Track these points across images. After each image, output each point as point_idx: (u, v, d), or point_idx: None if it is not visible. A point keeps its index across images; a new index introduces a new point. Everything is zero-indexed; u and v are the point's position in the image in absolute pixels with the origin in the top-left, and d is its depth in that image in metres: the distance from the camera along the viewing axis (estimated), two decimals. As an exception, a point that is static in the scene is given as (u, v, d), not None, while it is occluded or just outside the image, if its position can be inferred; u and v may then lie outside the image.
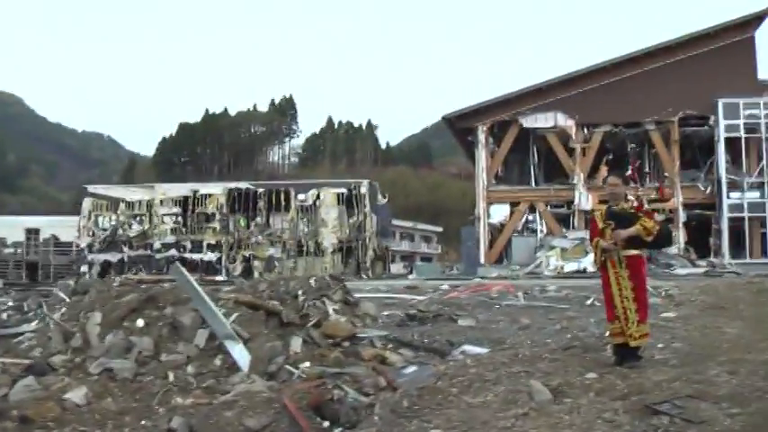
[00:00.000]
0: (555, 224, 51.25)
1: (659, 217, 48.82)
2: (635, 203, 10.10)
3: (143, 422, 8.69)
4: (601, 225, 9.95)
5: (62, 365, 10.51)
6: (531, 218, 53.82)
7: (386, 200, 75.51)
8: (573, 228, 50.30)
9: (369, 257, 67.03)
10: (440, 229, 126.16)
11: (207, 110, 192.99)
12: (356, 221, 67.44)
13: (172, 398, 9.30)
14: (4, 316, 19.08)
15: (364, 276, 59.09)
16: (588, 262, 42.72)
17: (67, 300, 16.54)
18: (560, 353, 10.88)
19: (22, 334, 15.46)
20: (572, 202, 51.46)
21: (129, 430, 8.44)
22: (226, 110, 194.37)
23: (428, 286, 27.58)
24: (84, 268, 68.81)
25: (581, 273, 40.19)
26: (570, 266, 42.13)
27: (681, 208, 51.44)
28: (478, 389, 8.89)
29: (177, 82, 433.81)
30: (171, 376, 9.86)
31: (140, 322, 11.10)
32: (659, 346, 11.39)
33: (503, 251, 53.39)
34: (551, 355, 10.72)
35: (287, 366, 10.16)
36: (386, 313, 17.58)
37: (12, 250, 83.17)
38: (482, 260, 51.60)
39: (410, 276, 51.19)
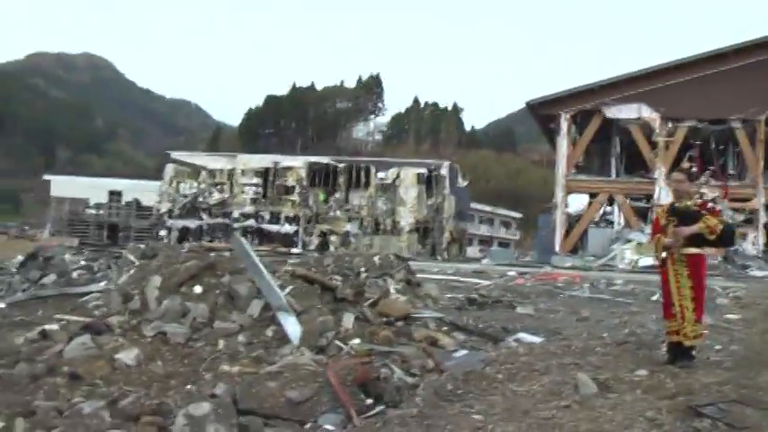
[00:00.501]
0: (633, 217, 50.44)
1: (738, 217, 48.07)
2: (699, 201, 9.88)
3: (188, 387, 8.80)
4: (663, 222, 9.79)
5: (119, 326, 10.70)
6: (609, 209, 53.03)
7: (466, 183, 75.41)
8: (651, 222, 49.59)
9: (445, 239, 67.06)
10: (519, 216, 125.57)
11: (294, 83, 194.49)
12: (434, 203, 67.45)
13: (219, 365, 9.41)
14: (75, 275, 19.48)
15: (439, 258, 59.14)
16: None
17: (136, 262, 16.81)
18: (614, 347, 10.74)
19: (89, 293, 15.82)
20: (652, 196, 50.58)
21: (174, 393, 8.54)
22: (313, 84, 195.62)
23: (495, 271, 27.49)
24: (162, 233, 69.88)
25: (655, 268, 39.59)
26: (645, 261, 41.41)
27: (762, 208, 50.31)
28: (525, 377, 8.84)
29: (266, 55, 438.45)
30: (221, 344, 9.98)
31: (198, 289, 11.24)
32: (716, 347, 11.16)
33: (578, 241, 52.75)
34: (604, 348, 10.59)
35: (337, 342, 10.21)
36: (448, 296, 17.58)
37: (94, 211, 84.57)
38: (557, 249, 51.15)
39: (484, 261, 51.08)
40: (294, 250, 52.99)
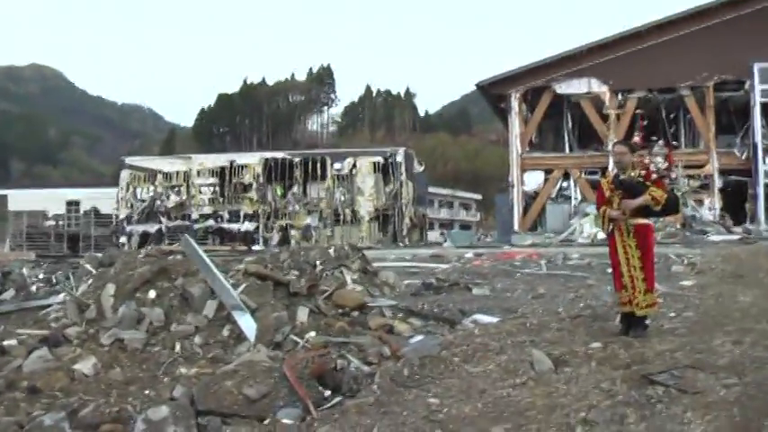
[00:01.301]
0: (589, 191, 50.68)
1: (694, 183, 48.54)
2: (643, 171, 9.98)
3: (147, 392, 8.85)
4: (607, 193, 9.91)
5: (76, 336, 10.70)
6: (565, 185, 53.42)
7: (422, 168, 75.40)
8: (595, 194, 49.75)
9: (405, 225, 67.05)
10: (479, 197, 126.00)
11: (245, 80, 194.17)
12: (392, 190, 67.44)
13: (177, 368, 9.47)
14: (34, 288, 19.39)
15: (401, 244, 59.19)
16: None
17: (94, 272, 16.77)
18: (568, 322, 10.85)
19: (49, 306, 15.78)
20: (606, 168, 50.81)
21: (133, 399, 8.58)
22: (264, 80, 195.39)
23: (453, 255, 27.58)
24: (122, 239, 69.48)
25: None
26: (603, 234, 41.85)
27: (716, 174, 50.78)
28: (481, 358, 8.93)
29: (215, 53, 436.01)
30: (178, 346, 10.03)
31: (152, 293, 11.27)
32: (671, 314, 11.31)
33: (537, 218, 53.12)
34: (559, 324, 10.70)
35: (292, 336, 10.29)
36: (406, 282, 17.64)
37: (53, 222, 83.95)
38: (516, 227, 51.47)
39: (444, 244, 51.24)
40: (255, 247, 52.96)
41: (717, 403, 6.49)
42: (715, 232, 41.12)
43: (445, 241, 56.06)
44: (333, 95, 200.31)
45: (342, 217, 67.72)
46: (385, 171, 67.67)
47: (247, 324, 10.33)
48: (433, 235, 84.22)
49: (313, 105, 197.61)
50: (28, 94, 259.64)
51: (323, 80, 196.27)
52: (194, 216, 70.41)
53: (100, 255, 20.47)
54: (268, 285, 11.61)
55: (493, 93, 56.77)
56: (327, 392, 8.51)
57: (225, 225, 69.59)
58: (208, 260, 11.54)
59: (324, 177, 68.81)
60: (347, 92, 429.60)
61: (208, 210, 70.78)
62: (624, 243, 9.65)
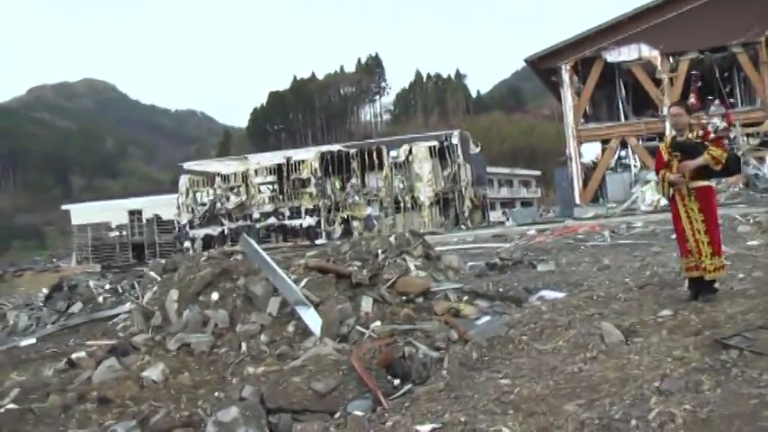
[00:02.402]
0: (648, 158, 49.92)
1: (753, 141, 47.60)
2: (701, 132, 9.73)
3: (216, 394, 8.84)
4: (666, 157, 9.69)
5: (144, 344, 10.74)
6: (623, 154, 52.79)
7: (479, 148, 75.13)
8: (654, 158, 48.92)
9: (466, 207, 66.87)
10: (538, 173, 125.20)
11: (295, 76, 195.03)
12: (450, 173, 67.29)
13: (245, 368, 9.45)
14: (101, 299, 19.56)
15: (463, 227, 58.96)
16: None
17: (158, 279, 16.88)
18: (636, 292, 10.64)
19: (116, 316, 15.91)
20: (663, 133, 49.97)
21: (203, 403, 8.59)
22: (313, 74, 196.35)
23: (515, 233, 27.35)
24: (186, 244, 70.15)
25: (677, 205, 39.28)
26: (666, 200, 41.21)
27: (777, 130, 49.76)
28: (550, 335, 8.78)
29: (264, 52, 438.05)
30: (244, 346, 10.01)
31: (215, 295, 11.28)
32: (739, 276, 11.04)
33: (598, 190, 52.55)
34: (627, 294, 10.49)
35: (358, 327, 10.21)
36: (470, 264, 17.46)
37: (117, 233, 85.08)
38: (577, 200, 51.00)
39: (507, 223, 51.00)
40: (318, 242, 53.10)
41: (793, 363, 6.28)
42: (780, 190, 40.31)
43: (507, 220, 55.77)
44: (383, 84, 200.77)
45: (402, 204, 67.75)
46: (441, 155, 67.54)
47: (312, 319, 10.27)
48: (495, 215, 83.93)
49: (364, 96, 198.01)
50: (82, 108, 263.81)
51: (372, 70, 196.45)
52: (255, 215, 70.96)
53: (163, 261, 20.64)
54: (330, 278, 11.54)
55: (542, 67, 56.22)
56: (396, 381, 8.44)
57: (286, 222, 70.06)
58: (268, 258, 11.50)
59: (381, 166, 68.89)
60: (397, 79, 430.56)
61: (268, 208, 71.27)
62: (686, 207, 9.42)
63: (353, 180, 70.17)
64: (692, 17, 49.74)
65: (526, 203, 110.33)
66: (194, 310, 10.94)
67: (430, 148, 68.01)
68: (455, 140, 67.70)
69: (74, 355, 11.41)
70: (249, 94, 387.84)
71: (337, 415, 7.73)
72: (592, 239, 21.10)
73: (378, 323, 10.39)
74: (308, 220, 69.74)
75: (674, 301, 9.45)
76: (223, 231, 70.37)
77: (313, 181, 70.40)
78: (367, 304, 10.86)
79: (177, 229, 74.99)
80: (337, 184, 70.47)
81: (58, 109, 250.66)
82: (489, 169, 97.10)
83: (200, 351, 10.10)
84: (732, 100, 52.29)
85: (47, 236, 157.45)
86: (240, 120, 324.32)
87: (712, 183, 9.74)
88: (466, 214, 66.22)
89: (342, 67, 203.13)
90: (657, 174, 9.97)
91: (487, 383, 7.40)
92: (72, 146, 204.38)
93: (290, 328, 10.47)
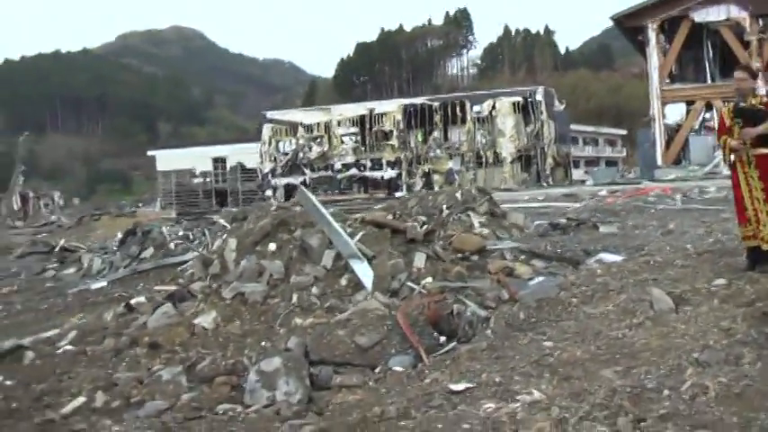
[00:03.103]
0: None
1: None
2: (765, 98, 9.44)
3: (263, 343, 8.95)
4: (728, 123, 9.45)
5: (200, 291, 10.86)
6: (708, 116, 51.60)
7: (563, 106, 74.39)
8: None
9: (548, 165, 66.46)
10: (624, 132, 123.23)
11: (382, 28, 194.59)
12: (533, 129, 66.83)
13: (293, 319, 9.52)
14: (172, 246, 19.87)
15: (544, 184, 58.62)
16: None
17: (228, 227, 17.08)
18: (695, 258, 10.42)
19: (185, 262, 16.16)
20: (747, 97, 48.82)
21: (249, 351, 8.69)
22: (401, 26, 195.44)
23: (587, 193, 27.05)
24: (268, 192, 70.79)
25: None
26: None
27: None
28: (600, 299, 8.66)
29: (351, 2, 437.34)
30: (295, 298, 10.06)
31: (272, 246, 11.32)
32: (808, 247, 10.79)
33: (680, 152, 51.56)
34: (684, 260, 10.26)
35: (409, 283, 10.19)
36: (536, 223, 17.29)
37: (200, 180, 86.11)
38: (659, 162, 50.16)
39: (587, 182, 50.54)
40: (398, 194, 53.14)
41: (841, 339, 6.13)
42: None
43: (588, 179, 55.23)
44: (471, 38, 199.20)
45: (484, 159, 67.53)
46: (525, 111, 67.13)
47: (364, 272, 10.27)
48: (579, 173, 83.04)
49: (451, 49, 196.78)
50: (170, 56, 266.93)
51: (460, 23, 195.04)
52: (337, 166, 71.34)
53: (235, 210, 20.86)
54: (386, 233, 11.48)
55: (629, 25, 55.10)
56: (443, 338, 8.43)
57: (368, 173, 70.32)
58: (324, 211, 11.52)
59: (464, 121, 68.75)
60: (485, 34, 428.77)
61: (350, 159, 71.58)
62: (746, 175, 9.15)
63: (436, 133, 70.09)
64: (785, -23, 48.30)
65: (611, 163, 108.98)
66: (251, 260, 11.02)
67: (513, 103, 67.59)
68: (539, 97, 67.18)
69: (133, 300, 11.63)
70: (337, 44, 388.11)
71: (378, 369, 7.78)
72: (662, 203, 20.79)
73: (429, 279, 10.36)
74: (389, 173, 69.91)
75: (731, 270, 9.22)
76: (305, 181, 70.75)
77: (395, 133, 70.44)
78: (420, 260, 10.82)
79: (260, 177, 75.66)
80: (419, 137, 70.43)
81: (146, 56, 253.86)
82: (574, 127, 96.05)
83: (254, 300, 10.17)
84: None
85: (133, 181, 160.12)
86: (327, 70, 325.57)
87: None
88: (547, 172, 65.85)
89: (429, 20, 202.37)
90: (719, 139, 9.72)
91: (530, 345, 7.38)
92: (159, 93, 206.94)
93: (343, 282, 10.50)
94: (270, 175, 73.31)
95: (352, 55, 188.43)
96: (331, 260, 10.76)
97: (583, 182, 55.91)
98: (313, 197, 12.22)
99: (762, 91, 34.34)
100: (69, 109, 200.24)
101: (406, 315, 8.62)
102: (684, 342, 6.58)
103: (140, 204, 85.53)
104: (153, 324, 9.99)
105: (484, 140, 68.14)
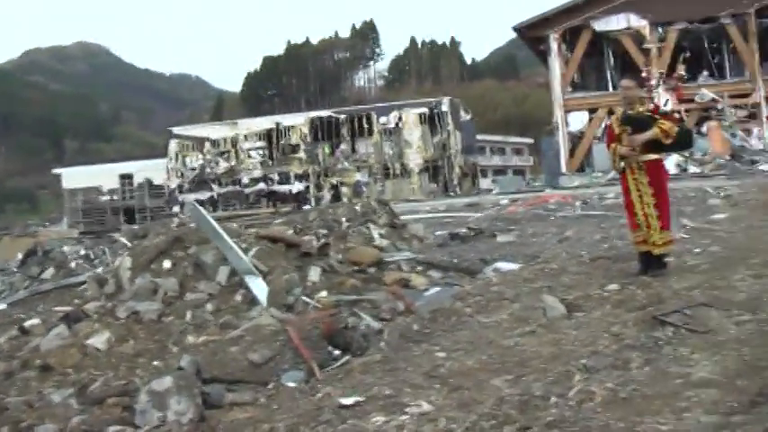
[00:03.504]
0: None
1: (741, 113, 47.45)
2: (651, 106, 9.71)
3: (155, 363, 8.86)
4: (617, 130, 9.67)
5: (95, 311, 10.72)
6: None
7: (469, 116, 75.05)
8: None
9: (455, 175, 66.86)
10: (530, 141, 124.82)
11: (289, 41, 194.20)
12: (440, 140, 67.18)
13: (186, 337, 9.45)
14: (73, 265, 19.55)
15: (452, 194, 59.04)
16: (671, 164, 41.77)
17: (129, 245, 16.87)
18: (589, 265, 10.65)
19: (84, 282, 15.91)
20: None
21: (141, 371, 8.60)
22: (308, 39, 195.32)
23: (489, 202, 27.31)
24: (175, 209, 70.07)
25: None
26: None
27: (764, 102, 49.48)
28: (495, 308, 8.81)
29: (258, 16, 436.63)
30: (188, 315, 9.99)
31: (167, 264, 11.25)
32: (696, 250, 11.05)
33: (584, 159, 52.36)
34: (579, 267, 10.51)
35: (303, 297, 10.20)
36: (438, 233, 17.43)
37: (108, 197, 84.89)
38: (563, 170, 50.87)
39: (494, 191, 51.02)
40: (306, 207, 53.03)
41: (727, 342, 6.30)
42: (765, 161, 40.18)
43: (494, 188, 55.77)
44: (378, 50, 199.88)
45: (392, 171, 67.68)
46: (431, 122, 67.50)
47: (259, 288, 10.26)
48: (486, 183, 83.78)
49: (358, 61, 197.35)
50: (76, 72, 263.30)
51: (367, 35, 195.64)
52: (245, 180, 70.90)
53: (135, 227, 20.64)
54: (280, 248, 11.52)
55: (531, 36, 55.98)
56: (337, 352, 8.45)
57: (276, 187, 69.96)
58: (217, 227, 11.46)
59: (371, 133, 68.86)
60: (392, 45, 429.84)
61: (258, 173, 71.18)
62: (636, 181, 9.42)
63: (343, 146, 70.09)
64: (682, -13, 49.42)
65: (518, 171, 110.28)
66: (146, 278, 10.93)
67: (420, 114, 67.92)
68: (445, 108, 67.62)
69: (27, 323, 11.42)
70: (244, 58, 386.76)
71: (270, 386, 7.76)
72: (562, 210, 21.09)
73: (324, 293, 10.38)
74: (297, 186, 69.72)
75: (624, 276, 9.49)
76: (212, 196, 70.30)
77: (302, 147, 70.28)
78: (315, 274, 10.85)
79: (167, 193, 74.90)
80: (327, 150, 70.33)
81: (52, 72, 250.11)
82: (482, 137, 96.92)
83: (149, 319, 10.07)
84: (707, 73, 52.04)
85: (40, 200, 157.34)
86: (235, 84, 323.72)
87: (663, 156, 9.73)
88: (455, 182, 66.22)
89: (336, 33, 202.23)
90: (608, 147, 9.93)
91: (423, 356, 7.43)
92: (65, 109, 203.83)
93: (238, 298, 10.46)
94: (177, 191, 72.59)
95: (259, 69, 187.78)
96: (225, 276, 10.73)
97: (490, 191, 56.42)
98: (206, 213, 12.16)
99: (663, 98, 35.40)
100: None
101: (298, 330, 8.62)
102: (574, 348, 6.72)
103: (47, 224, 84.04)
104: (46, 346, 9.81)
105: (391, 152, 68.33)
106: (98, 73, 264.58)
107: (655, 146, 9.37)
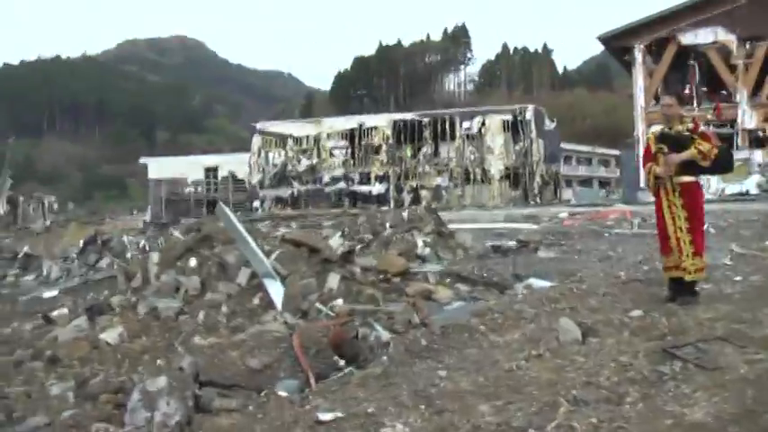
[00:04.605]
0: (718, 143, 48.55)
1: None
2: (690, 125, 9.32)
3: (159, 361, 8.80)
4: (653, 149, 9.33)
5: (118, 305, 10.75)
6: (691, 138, 51.37)
7: (554, 124, 74.42)
8: (736, 148, 47.59)
9: (536, 183, 66.34)
10: (617, 152, 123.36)
11: (380, 42, 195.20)
12: (522, 148, 66.71)
13: (195, 337, 9.39)
14: (129, 255, 19.78)
15: (531, 202, 58.56)
16: (751, 184, 40.86)
17: (182, 238, 16.96)
18: (620, 287, 10.30)
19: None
20: (735, 120, 48.81)
21: (143, 369, 8.54)
22: (399, 41, 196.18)
23: (548, 214, 26.89)
24: (255, 204, 70.64)
25: (743, 195, 38.40)
26: (732, 188, 40.23)
27: None
28: (510, 327, 8.54)
29: (351, 16, 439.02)
30: (201, 315, 9.93)
31: (192, 262, 11.24)
32: (736, 278, 10.59)
33: (665, 175, 51.32)
34: (609, 289, 10.15)
35: (317, 304, 10.05)
36: (489, 243, 17.11)
37: (192, 189, 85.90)
38: (642, 184, 50.00)
39: (572, 201, 50.50)
40: (383, 208, 52.98)
41: (733, 382, 5.92)
42: None
43: (572, 199, 55.23)
44: (469, 54, 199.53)
45: (472, 176, 67.36)
46: (515, 129, 67.06)
47: (277, 292, 10.17)
48: (570, 193, 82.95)
49: (449, 65, 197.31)
50: (172, 65, 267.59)
51: (459, 39, 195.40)
52: (325, 179, 71.05)
53: (192, 221, 20.78)
54: (302, 252, 11.40)
55: (615, 46, 55.08)
56: (342, 363, 8.29)
57: (356, 187, 70.01)
58: (241, 228, 11.41)
59: (453, 137, 68.56)
60: (484, 50, 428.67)
61: (339, 172, 71.27)
62: (670, 203, 9.02)
63: (425, 149, 69.93)
64: (772, 2, 48.11)
65: (604, 183, 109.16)
66: (170, 275, 10.93)
67: (503, 121, 67.55)
68: (529, 115, 67.15)
69: (54, 312, 11.51)
70: (335, 57, 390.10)
71: (263, 393, 7.63)
72: (619, 226, 20.65)
73: (340, 301, 10.22)
74: (377, 187, 69.70)
75: (652, 301, 9.11)
76: (293, 193, 70.68)
77: (384, 148, 70.29)
78: (333, 281, 10.68)
79: (249, 188, 75.52)
80: (408, 153, 70.26)
81: (149, 63, 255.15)
82: (569, 146, 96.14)
83: (166, 316, 10.07)
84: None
85: (129, 187, 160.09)
86: (325, 83, 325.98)
87: (700, 178, 9.35)
88: (536, 190, 65.70)
89: (428, 35, 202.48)
90: (644, 166, 9.58)
91: (423, 373, 7.21)
92: (160, 101, 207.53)
93: (256, 300, 10.40)
94: (258, 187, 73.12)
95: (349, 68, 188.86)
96: (246, 278, 10.67)
97: (569, 201, 55.87)
98: (231, 214, 12.12)
99: (746, 116, 34.45)
100: (68, 114, 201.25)
101: (305, 337, 8.49)
102: (575, 376, 6.41)
103: (135, 211, 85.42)
104: (63, 337, 9.88)
105: (473, 157, 68.03)
106: (193, 66, 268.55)
107: (692, 167, 8.99)
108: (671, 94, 10.13)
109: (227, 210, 12.35)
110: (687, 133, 9.10)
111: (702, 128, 9.59)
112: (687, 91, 46.38)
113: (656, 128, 9.98)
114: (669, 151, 9.02)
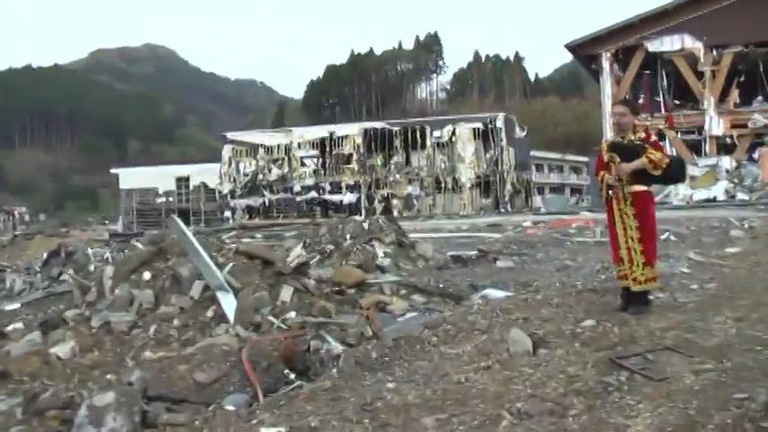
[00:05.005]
0: (685, 151, 48.79)
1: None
2: (643, 134, 9.34)
3: (108, 376, 8.77)
4: (606, 158, 9.35)
5: (72, 319, 10.70)
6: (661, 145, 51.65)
7: (524, 133, 74.67)
8: (704, 154, 48.01)
9: (507, 191, 66.46)
10: (587, 160, 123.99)
11: (352, 51, 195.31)
12: (493, 156, 66.85)
13: (145, 351, 9.36)
14: (92, 268, 19.62)
15: (502, 210, 58.74)
16: (719, 190, 41.03)
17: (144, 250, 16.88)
18: (575, 296, 10.30)
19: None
20: (702, 127, 49.13)
21: (92, 384, 8.51)
22: (371, 50, 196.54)
23: (511, 223, 26.93)
24: (226, 213, 70.55)
25: (711, 201, 38.64)
26: (700, 195, 40.42)
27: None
28: (462, 339, 8.51)
29: (323, 24, 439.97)
30: (152, 329, 9.90)
31: (147, 275, 11.20)
32: (692, 286, 10.60)
33: (632, 181, 51.55)
34: (563, 299, 10.14)
35: (270, 317, 10.03)
36: (450, 253, 17.14)
37: (163, 199, 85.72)
38: (609, 192, 50.21)
39: (542, 209, 50.63)
40: (356, 218, 52.92)
41: (678, 392, 5.96)
42: (819, 190, 39.19)
43: (541, 207, 55.40)
44: (441, 62, 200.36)
45: (443, 185, 67.44)
46: (485, 137, 67.13)
47: (229, 305, 10.15)
48: (540, 200, 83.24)
49: (421, 73, 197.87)
50: (143, 74, 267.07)
51: (430, 48, 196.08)
52: (296, 189, 70.90)
53: (154, 233, 20.66)
54: (256, 265, 11.39)
55: (583, 53, 55.37)
56: (292, 376, 8.28)
57: (327, 197, 69.93)
58: (194, 240, 11.37)
59: (424, 146, 68.61)
60: (456, 58, 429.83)
61: (310, 182, 71.17)
62: (621, 212, 9.03)
63: (396, 158, 69.95)
64: (739, 9, 48.13)
65: (576, 190, 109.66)
66: (124, 288, 10.88)
67: (474, 129, 67.60)
68: (499, 123, 67.24)
69: (9, 327, 11.44)
70: (308, 66, 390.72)
71: (211, 407, 7.61)
72: (581, 235, 20.70)
73: (293, 314, 10.20)
74: (348, 197, 69.58)
75: (605, 311, 9.09)
76: (264, 203, 70.56)
77: (355, 157, 70.26)
78: (286, 294, 10.66)
79: (219, 198, 75.41)
80: (379, 162, 70.27)
81: (119, 73, 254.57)
82: (540, 154, 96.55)
83: (119, 330, 10.02)
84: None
85: (100, 198, 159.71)
86: (297, 91, 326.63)
87: (651, 188, 9.38)
88: (506, 198, 65.83)
89: (400, 44, 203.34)
90: (596, 175, 9.60)
91: (372, 387, 7.20)
92: (131, 110, 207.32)
93: (210, 313, 10.36)
94: (229, 196, 72.96)
95: (321, 77, 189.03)
96: (199, 291, 10.63)
97: (539, 209, 56.02)
98: (183, 226, 12.08)
99: (713, 123, 34.65)
100: (39, 124, 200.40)
101: (254, 350, 8.48)
102: (521, 389, 6.43)
103: (106, 222, 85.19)
104: (15, 352, 9.81)
105: (443, 166, 68.12)
106: (165, 75, 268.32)
107: (643, 176, 9.02)
108: (623, 103, 10.15)
109: (180, 222, 12.30)
110: (639, 142, 9.10)
111: (654, 137, 9.63)
112: (642, 100, 46.60)
113: (610, 137, 9.97)
114: (621, 160, 9.03)
